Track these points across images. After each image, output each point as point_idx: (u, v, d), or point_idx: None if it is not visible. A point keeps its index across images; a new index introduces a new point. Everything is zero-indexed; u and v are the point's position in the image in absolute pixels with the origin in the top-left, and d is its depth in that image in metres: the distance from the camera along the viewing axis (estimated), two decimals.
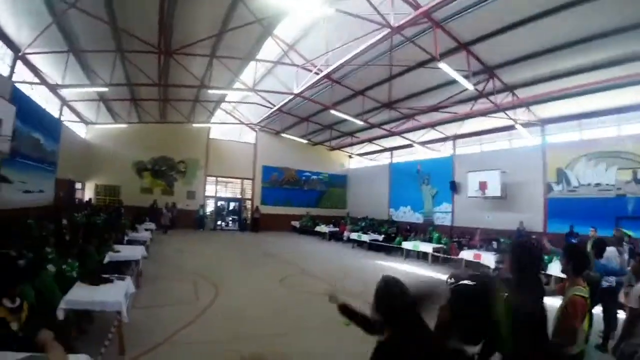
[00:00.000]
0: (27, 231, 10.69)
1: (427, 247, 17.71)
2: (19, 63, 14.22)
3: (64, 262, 7.49)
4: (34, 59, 14.80)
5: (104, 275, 7.47)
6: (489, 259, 14.43)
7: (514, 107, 16.10)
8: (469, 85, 13.08)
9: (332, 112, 18.83)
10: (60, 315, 5.80)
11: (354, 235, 22.73)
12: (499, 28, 11.60)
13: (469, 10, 10.96)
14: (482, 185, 19.16)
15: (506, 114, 16.28)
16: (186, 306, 9.18)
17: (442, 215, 22.80)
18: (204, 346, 6.74)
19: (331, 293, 3.48)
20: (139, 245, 13.09)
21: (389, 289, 2.40)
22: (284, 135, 27.71)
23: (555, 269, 12.32)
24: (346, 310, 3.17)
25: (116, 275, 7.92)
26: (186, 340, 6.98)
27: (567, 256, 3.60)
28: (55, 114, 19.44)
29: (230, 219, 30.41)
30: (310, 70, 15.92)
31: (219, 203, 30.36)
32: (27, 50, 13.69)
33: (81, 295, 6.25)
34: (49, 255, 7.34)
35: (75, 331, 6.25)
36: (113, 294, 6.49)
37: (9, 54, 13.64)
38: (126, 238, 14.23)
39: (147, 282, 10.90)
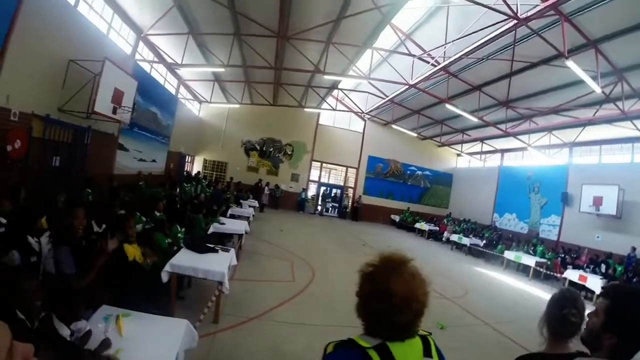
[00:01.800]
0: (139, 193, 11.39)
1: (529, 260, 16.59)
2: (140, 43, 15.25)
3: (179, 230, 7.89)
4: (155, 40, 15.76)
5: (209, 245, 7.72)
6: (595, 283, 13.40)
7: None
8: (596, 87, 12.09)
9: (447, 106, 18.32)
10: (165, 277, 6.11)
11: (454, 237, 22.16)
12: (632, 25, 10.48)
13: (600, 3, 10.05)
14: (597, 201, 17.60)
15: (633, 123, 14.86)
16: (282, 285, 9.40)
17: (549, 228, 21.37)
18: (295, 327, 6.82)
19: None
20: (243, 220, 13.53)
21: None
22: (393, 126, 27.54)
23: None
24: None
25: (220, 246, 8.20)
26: (279, 318, 7.13)
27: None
28: (173, 92, 20.67)
29: (331, 205, 30.60)
30: (427, 62, 15.63)
31: (322, 188, 30.67)
32: (149, 32, 14.64)
33: (186, 261, 6.55)
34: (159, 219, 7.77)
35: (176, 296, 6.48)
36: (217, 264, 6.73)
37: (132, 34, 14.62)
38: (229, 212, 14.73)
39: (246, 256, 11.28)
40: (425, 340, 1.61)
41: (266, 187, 26.10)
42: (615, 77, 12.99)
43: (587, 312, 2.13)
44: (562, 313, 2.14)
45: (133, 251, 4.93)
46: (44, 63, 9.39)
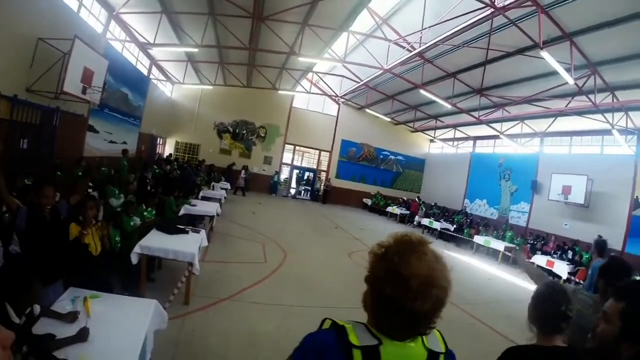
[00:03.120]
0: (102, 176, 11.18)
1: (498, 245, 17.13)
2: (112, 22, 14.86)
3: (145, 210, 7.82)
4: (127, 18, 15.39)
5: (179, 226, 7.68)
6: (561, 269, 13.83)
7: (612, 109, 14.85)
8: (569, 79, 12.19)
9: (421, 92, 18.33)
10: (134, 259, 6.09)
11: (425, 221, 22.50)
12: (609, 20, 10.55)
13: None
14: (566, 190, 18.02)
15: (604, 116, 15.07)
16: (254, 266, 9.44)
17: (518, 215, 21.79)
18: (267, 307, 6.86)
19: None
20: (214, 202, 13.49)
21: None
22: (367, 110, 27.59)
23: None
24: None
25: (191, 227, 8.16)
26: (250, 299, 7.15)
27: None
28: (144, 72, 20.30)
29: (303, 188, 30.60)
30: (403, 47, 15.61)
31: (295, 171, 30.68)
32: (121, 10, 14.27)
33: (156, 242, 6.52)
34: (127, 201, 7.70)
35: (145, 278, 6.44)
36: (187, 245, 6.72)
37: (103, 13, 14.24)
38: (201, 194, 14.67)
39: (217, 238, 11.29)
40: (433, 356, 1.38)
41: (243, 171, 25.84)
42: (588, 70, 13.14)
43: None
44: (560, 310, 2.11)
45: (76, 231, 4.83)
46: (11, 41, 9.09)
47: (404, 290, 1.26)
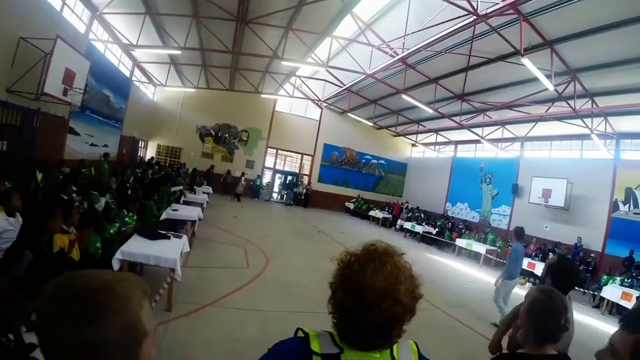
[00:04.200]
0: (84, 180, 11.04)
1: (480, 248, 17.38)
2: (95, 22, 14.68)
3: (126, 215, 7.74)
4: (111, 19, 15.21)
5: (161, 231, 7.61)
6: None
7: (592, 115, 15.12)
8: (549, 85, 12.39)
9: (404, 97, 18.39)
10: (115, 265, 6.01)
11: (407, 225, 22.63)
12: (588, 29, 10.81)
13: (558, 6, 10.29)
14: (546, 193, 18.30)
15: (583, 121, 15.32)
16: (236, 272, 9.39)
17: (499, 218, 22.04)
18: (249, 313, 6.82)
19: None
20: (196, 206, 13.40)
21: None
22: (349, 115, 27.54)
23: (610, 292, 11.97)
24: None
25: (172, 232, 8.08)
26: (233, 305, 7.12)
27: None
28: (127, 74, 20.05)
29: (285, 192, 30.53)
30: (386, 52, 15.69)
31: (277, 175, 30.62)
32: (104, 11, 14.13)
33: (137, 247, 6.45)
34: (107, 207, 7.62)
35: None
36: (169, 251, 6.65)
37: (86, 13, 14.05)
38: (183, 199, 14.57)
39: (199, 243, 11.19)
40: None
41: (242, 177, 26.06)
42: (568, 77, 13.38)
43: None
44: (560, 323, 2.08)
45: (61, 242, 4.72)
46: None
47: (357, 301, 1.24)
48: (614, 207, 16.23)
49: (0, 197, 5.02)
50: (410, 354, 1.36)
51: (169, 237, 7.41)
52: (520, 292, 9.12)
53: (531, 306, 2.22)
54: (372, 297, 1.22)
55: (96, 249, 5.99)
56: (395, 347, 1.33)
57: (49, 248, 4.32)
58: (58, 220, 4.20)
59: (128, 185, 12.11)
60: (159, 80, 24.19)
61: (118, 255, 6.05)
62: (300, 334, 1.36)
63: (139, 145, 24.44)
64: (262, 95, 25.60)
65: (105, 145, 17.10)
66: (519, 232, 9.16)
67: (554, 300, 2.17)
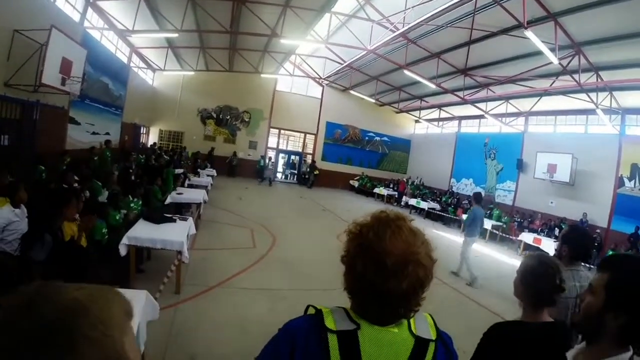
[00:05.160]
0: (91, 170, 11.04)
1: (486, 223, 17.10)
2: (89, 10, 14.47)
3: (132, 201, 7.74)
4: (105, 5, 14.99)
5: (167, 215, 7.62)
6: (549, 245, 13.91)
7: (597, 89, 14.91)
8: (553, 59, 12.21)
9: (406, 72, 18.25)
10: (123, 251, 6.04)
11: (412, 201, 22.57)
12: (593, 1, 10.61)
13: None
14: (551, 168, 18.17)
15: (588, 95, 15.16)
16: (243, 252, 9.44)
17: (504, 193, 22.00)
18: (258, 293, 6.87)
19: None
20: (201, 189, 13.43)
21: None
22: (351, 92, 27.42)
23: None
24: None
25: (178, 215, 8.10)
26: (241, 285, 7.18)
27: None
28: (124, 60, 19.89)
29: (289, 172, 30.50)
30: (386, 27, 15.49)
31: (280, 155, 30.72)
32: None
33: (144, 232, 6.47)
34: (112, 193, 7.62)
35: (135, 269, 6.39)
36: (175, 234, 6.67)
37: (80, 1, 13.84)
38: (187, 182, 14.60)
39: (205, 225, 11.26)
40: (421, 343, 1.26)
41: (269, 162, 27.54)
42: (573, 50, 13.17)
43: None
44: (556, 284, 2.14)
45: (70, 230, 4.72)
46: None
47: (378, 268, 1.21)
48: (620, 183, 16.11)
49: (6, 190, 5.03)
50: (428, 327, 1.32)
51: (174, 221, 7.43)
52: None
53: (524, 273, 2.29)
54: (395, 263, 1.20)
55: (102, 234, 5.99)
56: (412, 320, 1.30)
57: (62, 236, 4.33)
58: (72, 208, 4.18)
59: (131, 171, 12.12)
60: (157, 65, 23.94)
61: (124, 240, 6.07)
62: (311, 310, 1.31)
63: (141, 132, 24.39)
64: (262, 75, 25.45)
65: (107, 133, 17.05)
66: (478, 197, 10.38)
67: (546, 263, 2.24)
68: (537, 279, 2.19)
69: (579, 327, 1.67)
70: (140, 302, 3.77)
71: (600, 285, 1.53)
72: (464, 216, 18.37)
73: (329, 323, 1.24)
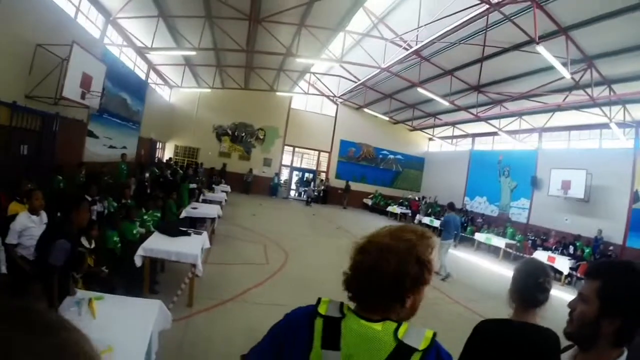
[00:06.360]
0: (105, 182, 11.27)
1: (499, 242, 17.25)
2: (109, 27, 14.90)
3: (145, 213, 7.87)
4: (124, 23, 15.38)
5: (182, 228, 7.73)
6: (563, 264, 13.82)
7: (610, 103, 14.77)
8: (566, 73, 12.18)
9: (419, 90, 18.27)
10: (138, 262, 6.13)
11: (426, 220, 22.51)
12: (604, 13, 10.56)
13: None
14: (565, 185, 17.96)
15: (601, 109, 15.02)
16: (256, 268, 9.49)
17: (518, 211, 21.77)
18: (270, 308, 6.85)
19: None
20: (215, 204, 13.57)
21: None
22: (365, 110, 27.53)
23: None
24: None
25: (192, 229, 8.21)
26: (253, 300, 7.20)
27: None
28: (142, 77, 20.32)
29: (303, 189, 30.63)
30: (400, 46, 15.62)
31: (294, 173, 30.79)
32: (118, 15, 14.33)
33: (159, 244, 6.56)
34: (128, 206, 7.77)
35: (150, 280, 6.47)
36: (190, 247, 6.73)
37: (100, 18, 14.27)
38: (202, 197, 14.75)
39: (219, 240, 11.34)
40: (403, 349, 1.24)
41: (313, 183, 28.44)
42: (584, 64, 13.13)
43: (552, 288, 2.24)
44: (537, 282, 2.22)
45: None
46: (10, 48, 9.11)
47: (381, 251, 1.36)
48: (635, 198, 15.85)
49: (25, 197, 5.18)
50: (420, 338, 1.26)
51: (189, 234, 7.52)
52: None
53: (514, 273, 2.41)
54: (396, 246, 1.35)
55: (114, 243, 6.10)
56: (403, 327, 1.29)
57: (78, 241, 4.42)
58: (83, 213, 4.28)
59: (146, 184, 12.30)
60: (174, 81, 24.41)
61: (140, 252, 6.16)
62: (321, 301, 1.43)
63: (157, 147, 24.72)
64: (278, 93, 25.65)
65: (124, 147, 17.32)
66: (451, 205, 12.71)
67: (533, 264, 2.40)
68: (522, 277, 2.32)
69: (574, 337, 1.65)
70: (153, 311, 3.86)
71: (592, 293, 1.55)
72: (478, 235, 18.36)
73: (322, 309, 1.37)
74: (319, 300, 1.42)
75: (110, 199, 9.03)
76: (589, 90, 13.69)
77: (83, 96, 10.99)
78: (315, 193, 29.16)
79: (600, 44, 12.14)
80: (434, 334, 1.29)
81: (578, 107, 15.88)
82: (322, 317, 1.34)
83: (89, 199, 7.48)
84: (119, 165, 14.47)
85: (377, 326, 1.30)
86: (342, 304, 1.40)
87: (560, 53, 11.95)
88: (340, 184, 30.29)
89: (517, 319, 2.26)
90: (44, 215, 5.12)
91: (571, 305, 1.63)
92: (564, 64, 12.03)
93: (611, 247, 15.42)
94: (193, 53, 17.40)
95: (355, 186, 30.74)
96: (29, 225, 4.84)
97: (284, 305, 7.01)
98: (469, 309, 8.79)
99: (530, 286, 2.23)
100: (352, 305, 1.40)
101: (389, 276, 1.32)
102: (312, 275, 9.42)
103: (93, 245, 5.55)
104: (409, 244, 1.36)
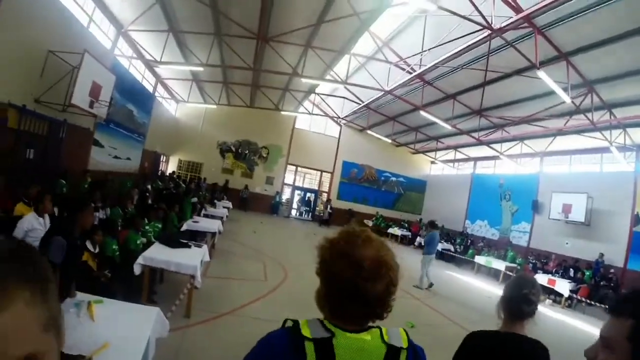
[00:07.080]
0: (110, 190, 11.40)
1: (500, 265, 17.21)
2: (120, 39, 15.20)
3: (147, 224, 7.96)
4: (135, 36, 15.74)
5: (182, 240, 7.81)
6: (563, 286, 13.81)
7: (610, 126, 14.99)
8: (566, 98, 12.35)
9: (422, 113, 18.46)
10: (137, 270, 6.20)
11: None
12: (603, 39, 10.79)
13: (572, 18, 10.31)
14: (566, 208, 18.07)
15: (602, 133, 15.17)
16: (254, 284, 9.50)
17: (519, 235, 21.79)
18: (268, 323, 6.85)
19: None
20: (216, 219, 13.65)
21: None
22: (368, 132, 27.73)
23: None
24: None
25: (193, 242, 8.28)
26: (251, 314, 7.21)
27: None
28: (150, 90, 20.61)
29: (305, 209, 30.67)
30: (403, 69, 15.85)
31: (296, 192, 30.85)
32: (129, 28, 14.63)
33: (159, 254, 6.61)
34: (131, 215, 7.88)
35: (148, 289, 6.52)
36: (189, 258, 6.78)
37: (112, 29, 14.60)
38: (203, 212, 14.81)
39: (219, 255, 11.35)
40: (393, 351, 1.32)
41: (328, 204, 28.60)
42: (585, 89, 13.33)
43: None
44: (522, 293, 2.25)
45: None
46: (23, 53, 9.34)
47: (357, 270, 1.31)
48: (636, 220, 15.88)
49: (33, 199, 5.30)
50: (400, 337, 1.38)
51: (189, 246, 7.57)
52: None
53: (504, 287, 2.44)
54: (371, 265, 1.32)
55: (113, 251, 6.18)
56: (384, 330, 1.38)
57: (82, 244, 4.51)
58: (88, 216, 4.34)
59: (148, 195, 12.43)
60: (181, 96, 24.76)
61: (140, 260, 6.22)
62: (289, 323, 1.38)
63: (161, 160, 24.93)
64: (282, 112, 25.75)
65: (128, 159, 17.57)
66: (432, 223, 13.89)
67: (522, 277, 2.45)
68: (509, 288, 2.37)
69: None
70: (151, 317, 3.90)
71: (620, 336, 1.09)
72: (478, 257, 18.35)
73: (305, 331, 1.30)
74: (296, 322, 1.36)
75: (113, 208, 9.13)
76: (589, 114, 13.86)
77: (91, 105, 11.22)
78: (325, 217, 28.89)
79: (600, 68, 12.33)
80: (405, 331, 1.42)
81: (579, 131, 16.06)
82: (312, 340, 1.28)
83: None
84: (125, 182, 14.65)
85: (366, 336, 1.34)
86: (321, 321, 1.37)
87: (561, 78, 12.12)
88: (342, 204, 30.27)
89: (504, 330, 2.29)
90: (47, 219, 5.24)
91: (589, 353, 1.21)
92: (565, 89, 12.19)
93: (612, 270, 15.40)
94: (201, 69, 17.65)
95: (356, 207, 30.69)
96: (35, 226, 4.99)
97: (282, 321, 7.12)
98: (467, 330, 8.79)
99: (516, 297, 2.26)
100: (327, 320, 1.39)
101: (387, 290, 1.37)
102: (311, 293, 9.40)
103: (97, 250, 5.65)
104: (392, 255, 1.41)
